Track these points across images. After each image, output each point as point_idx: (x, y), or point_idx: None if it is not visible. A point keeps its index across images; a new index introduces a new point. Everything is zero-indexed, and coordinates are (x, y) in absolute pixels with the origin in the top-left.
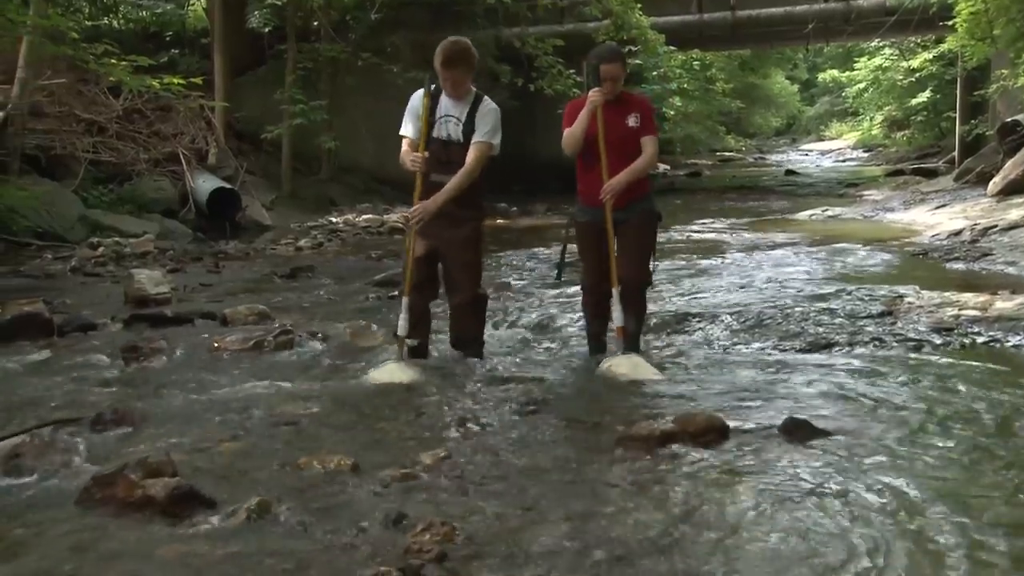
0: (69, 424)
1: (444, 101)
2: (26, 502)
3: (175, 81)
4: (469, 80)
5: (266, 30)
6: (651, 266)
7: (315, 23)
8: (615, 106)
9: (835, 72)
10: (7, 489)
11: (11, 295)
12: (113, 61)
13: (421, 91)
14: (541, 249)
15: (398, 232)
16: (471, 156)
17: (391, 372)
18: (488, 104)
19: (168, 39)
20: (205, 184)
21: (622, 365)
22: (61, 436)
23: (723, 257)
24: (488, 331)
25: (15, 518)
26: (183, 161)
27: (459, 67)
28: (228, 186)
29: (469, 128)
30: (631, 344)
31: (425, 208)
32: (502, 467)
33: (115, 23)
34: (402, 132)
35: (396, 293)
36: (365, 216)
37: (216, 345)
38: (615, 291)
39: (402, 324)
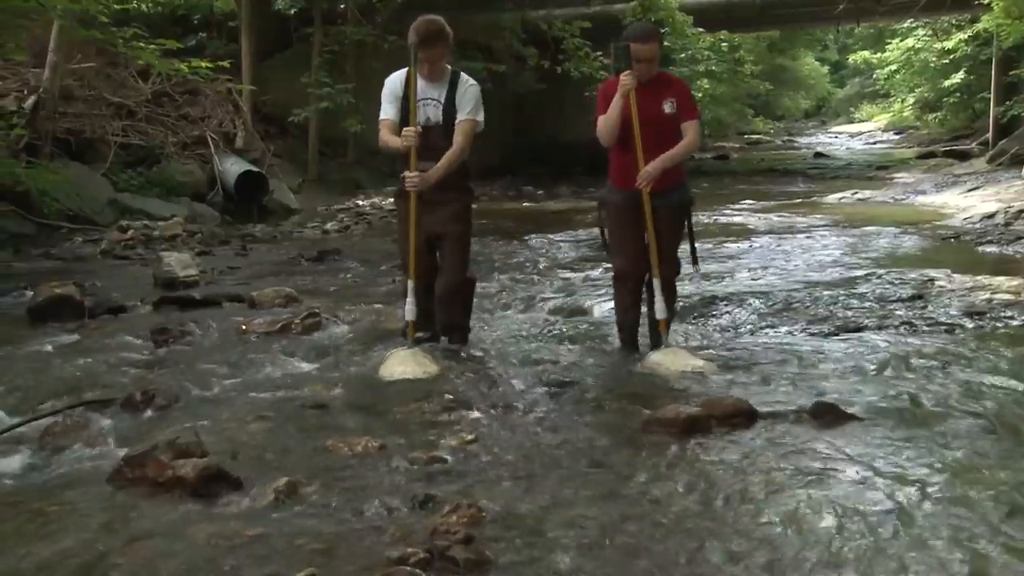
0: (100, 405)
1: (420, 83)
2: (59, 481)
3: (203, 65)
4: (445, 59)
5: (292, 13)
6: (695, 251)
7: (341, 6)
8: (650, 89)
9: (866, 53)
10: (40, 468)
11: (43, 277)
12: (142, 44)
13: (398, 73)
14: (568, 232)
15: None
16: (459, 135)
17: (403, 363)
18: (467, 81)
19: (196, 22)
20: (233, 167)
21: (668, 359)
22: (93, 417)
23: (751, 240)
24: (515, 314)
25: (48, 497)
26: (211, 144)
27: (437, 46)
28: (256, 169)
29: (450, 108)
30: (667, 335)
31: (424, 177)
32: (528, 450)
33: (144, 6)
34: (382, 116)
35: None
36: (391, 199)
37: (244, 328)
38: (656, 282)
39: (409, 308)
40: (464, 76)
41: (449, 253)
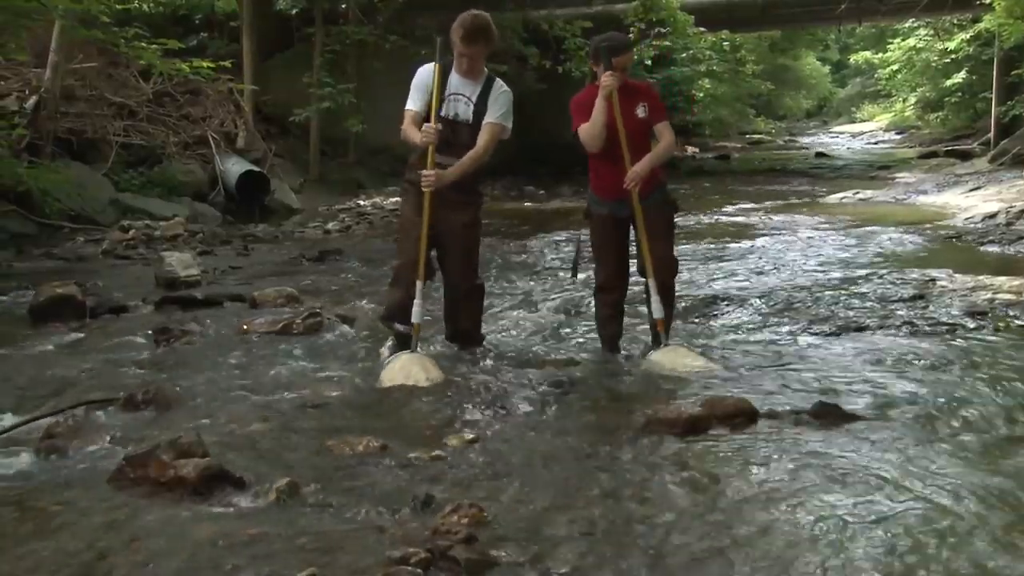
0: (102, 405)
1: (454, 78)
2: (60, 481)
3: (204, 65)
4: (485, 58)
5: (293, 13)
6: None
7: (343, 5)
8: (623, 95)
9: (867, 53)
10: (42, 468)
11: (44, 277)
12: (143, 44)
13: (430, 65)
14: (568, 232)
15: None
16: (484, 136)
17: (406, 370)
18: (502, 86)
19: (197, 22)
20: (234, 167)
21: (668, 358)
22: (94, 417)
23: (752, 240)
24: (516, 314)
25: (49, 497)
26: (212, 144)
27: (480, 43)
28: (257, 169)
29: (481, 108)
30: (667, 334)
31: (440, 176)
32: (530, 450)
33: (145, 6)
34: (408, 106)
35: (396, 277)
36: (392, 199)
37: (245, 328)
38: (650, 282)
39: (416, 311)
40: (499, 81)
41: (460, 259)
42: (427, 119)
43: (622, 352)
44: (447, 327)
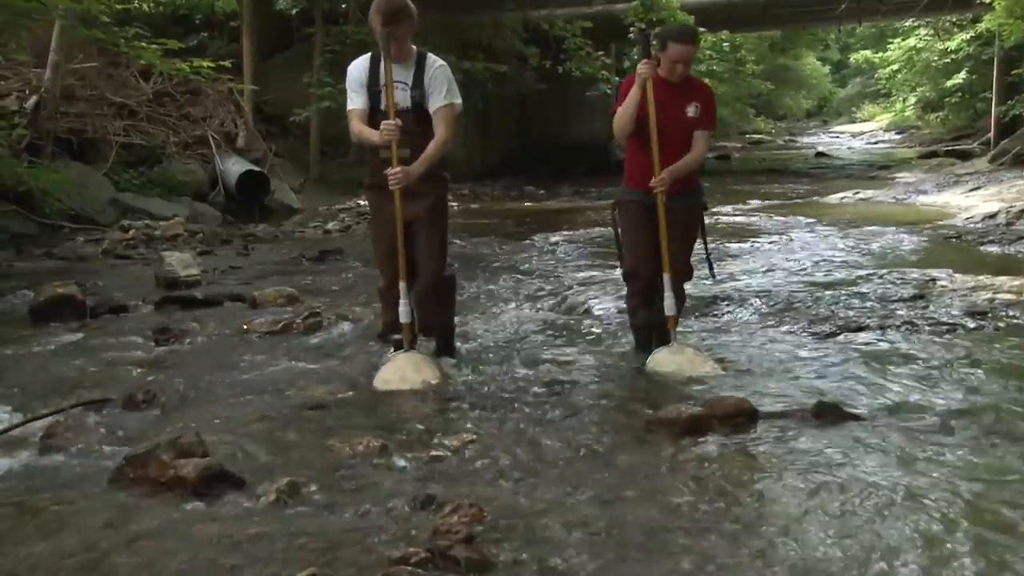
0: (102, 404)
1: (384, 66)
2: (61, 481)
3: (205, 64)
4: (410, 39)
5: (293, 12)
6: (711, 262)
7: (343, 5)
8: (677, 90)
9: (867, 53)
10: (42, 468)
11: (45, 277)
12: (143, 44)
13: (360, 59)
14: (569, 231)
15: None
16: (441, 125)
17: (400, 372)
18: (436, 62)
19: (197, 22)
20: (234, 167)
21: (674, 358)
22: (94, 416)
23: (752, 240)
24: (516, 313)
25: (49, 497)
26: (212, 144)
27: (402, 24)
28: (257, 169)
29: (419, 92)
30: (673, 334)
31: (407, 172)
32: (529, 449)
33: (145, 6)
34: (351, 106)
35: (382, 298)
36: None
37: (245, 327)
38: (666, 277)
39: (403, 311)
40: (432, 57)
41: (427, 248)
42: (371, 114)
43: (651, 347)
44: (417, 320)
